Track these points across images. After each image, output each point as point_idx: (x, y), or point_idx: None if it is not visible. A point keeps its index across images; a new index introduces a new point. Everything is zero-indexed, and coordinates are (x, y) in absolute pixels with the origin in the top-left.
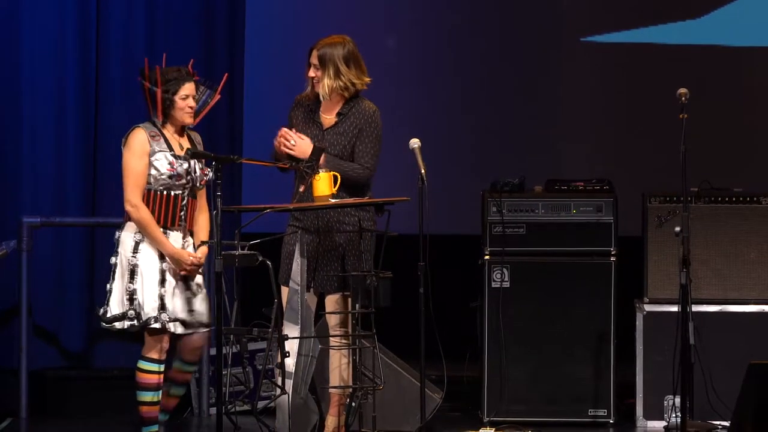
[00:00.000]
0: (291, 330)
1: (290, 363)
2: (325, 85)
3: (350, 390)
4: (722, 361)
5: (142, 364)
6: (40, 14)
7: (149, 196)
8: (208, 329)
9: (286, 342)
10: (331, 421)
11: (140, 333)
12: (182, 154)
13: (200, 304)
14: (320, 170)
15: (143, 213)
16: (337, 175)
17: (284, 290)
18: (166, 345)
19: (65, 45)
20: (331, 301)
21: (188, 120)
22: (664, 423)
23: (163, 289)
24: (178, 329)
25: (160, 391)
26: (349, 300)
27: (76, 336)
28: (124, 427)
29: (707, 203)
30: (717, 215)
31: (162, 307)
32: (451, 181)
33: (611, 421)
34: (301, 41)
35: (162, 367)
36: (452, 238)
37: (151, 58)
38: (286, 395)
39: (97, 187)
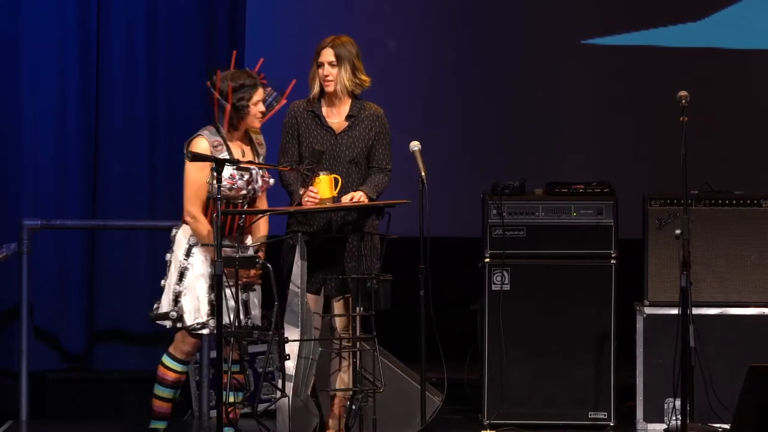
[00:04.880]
0: (291, 333)
1: (290, 366)
2: (345, 81)
3: (351, 393)
4: (722, 364)
5: (167, 361)
6: (41, 14)
7: (209, 205)
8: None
9: (286, 345)
10: (331, 424)
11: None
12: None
13: (257, 309)
14: (321, 173)
15: (202, 227)
16: (338, 177)
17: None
18: (193, 349)
19: (66, 46)
20: (338, 305)
21: (258, 124)
22: (664, 426)
23: (214, 295)
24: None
25: (176, 391)
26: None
27: (77, 338)
28: (124, 429)
29: (708, 206)
30: (717, 218)
31: (212, 313)
32: (451, 183)
33: (611, 424)
34: (301, 42)
35: (185, 368)
36: (453, 240)
37: (151, 58)
38: (287, 398)
39: (98, 189)
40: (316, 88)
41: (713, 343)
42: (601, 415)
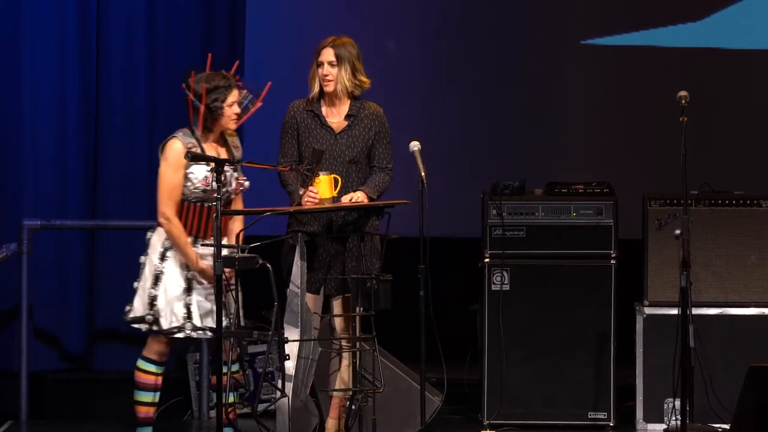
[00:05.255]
0: (291, 333)
1: (290, 366)
2: (345, 82)
3: (350, 393)
4: (722, 364)
5: (143, 364)
6: (41, 14)
7: (182, 207)
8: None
9: (286, 345)
10: (331, 424)
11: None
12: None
13: (233, 309)
14: (321, 174)
15: (175, 228)
16: (338, 177)
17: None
18: (167, 349)
19: (66, 46)
20: (338, 305)
21: (232, 126)
22: (664, 426)
23: (189, 298)
24: (207, 336)
25: (157, 394)
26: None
27: (77, 338)
28: (124, 430)
29: (707, 206)
30: (717, 218)
31: (188, 316)
32: (451, 183)
33: (611, 424)
34: (301, 42)
35: (162, 370)
36: (452, 240)
37: (151, 58)
38: (286, 398)
39: (98, 189)
40: (316, 88)
41: (713, 344)
42: (601, 415)
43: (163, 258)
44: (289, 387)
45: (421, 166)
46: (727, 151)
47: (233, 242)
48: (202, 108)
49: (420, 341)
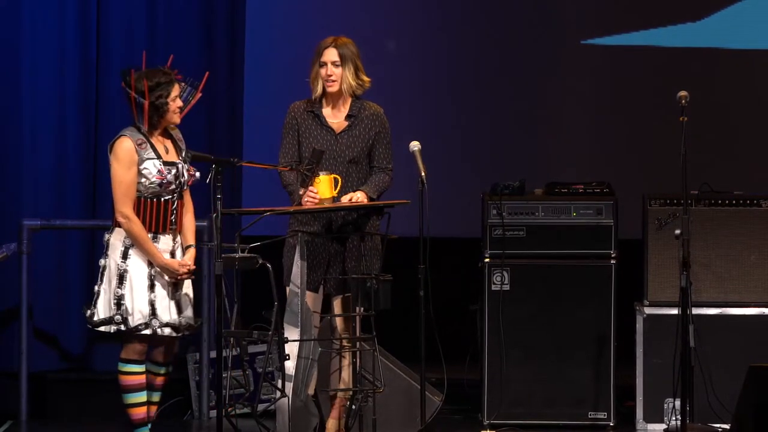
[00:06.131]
0: (291, 333)
1: (290, 366)
2: (350, 81)
3: (350, 393)
4: (722, 364)
5: (125, 367)
6: (41, 14)
7: (139, 204)
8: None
9: (286, 345)
10: (331, 424)
11: (120, 335)
12: (168, 157)
13: (189, 308)
14: (321, 174)
15: (135, 226)
16: (338, 177)
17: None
18: (146, 347)
19: (66, 46)
20: (338, 304)
21: (176, 120)
22: (664, 426)
23: (153, 295)
24: (166, 333)
25: (146, 392)
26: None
27: (76, 338)
28: (124, 429)
29: (707, 206)
30: (717, 218)
31: (153, 312)
32: (451, 183)
33: (611, 424)
34: (301, 42)
35: (143, 368)
36: (452, 240)
37: (151, 58)
38: (286, 398)
39: (97, 189)
40: (320, 89)
41: (713, 343)
42: (601, 415)
43: (125, 257)
44: (289, 387)
45: (421, 166)
46: (727, 151)
47: (187, 236)
48: (146, 105)
49: (420, 341)
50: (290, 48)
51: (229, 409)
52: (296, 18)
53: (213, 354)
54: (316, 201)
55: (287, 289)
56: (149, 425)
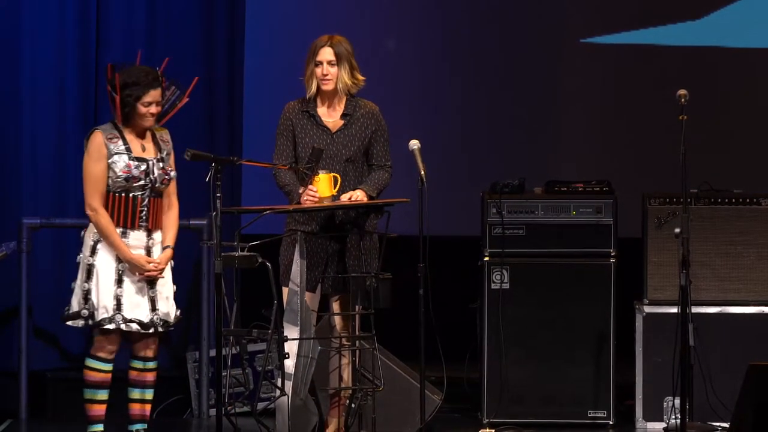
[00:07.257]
0: (290, 331)
1: (290, 364)
2: (346, 80)
3: (350, 391)
4: (722, 363)
5: (91, 362)
6: (41, 15)
7: (108, 198)
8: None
9: (285, 343)
10: (331, 423)
11: (87, 330)
12: (143, 154)
13: (164, 304)
14: (320, 172)
15: (102, 218)
16: (337, 176)
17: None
18: (115, 346)
19: (65, 46)
20: (337, 303)
21: (147, 125)
22: (663, 424)
23: (120, 290)
24: (133, 328)
25: (108, 391)
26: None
27: (76, 337)
28: (123, 429)
29: (707, 204)
30: (717, 217)
31: (118, 307)
32: (450, 182)
33: (611, 423)
34: (300, 41)
35: (110, 367)
36: (452, 239)
37: (151, 58)
38: (286, 396)
39: None
40: (314, 88)
41: (712, 342)
42: (601, 413)
43: (93, 251)
44: (288, 386)
45: (420, 164)
46: (727, 149)
47: (166, 237)
48: (117, 99)
49: (419, 340)
50: (290, 47)
51: (229, 408)
52: (296, 18)
53: (212, 352)
54: (316, 200)
55: (284, 288)
56: (103, 425)
